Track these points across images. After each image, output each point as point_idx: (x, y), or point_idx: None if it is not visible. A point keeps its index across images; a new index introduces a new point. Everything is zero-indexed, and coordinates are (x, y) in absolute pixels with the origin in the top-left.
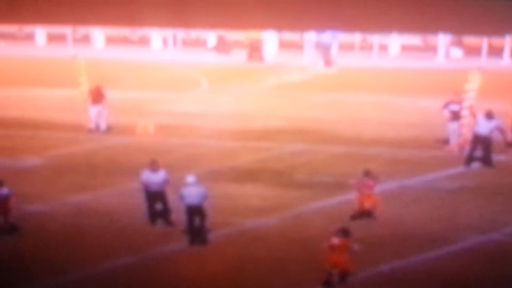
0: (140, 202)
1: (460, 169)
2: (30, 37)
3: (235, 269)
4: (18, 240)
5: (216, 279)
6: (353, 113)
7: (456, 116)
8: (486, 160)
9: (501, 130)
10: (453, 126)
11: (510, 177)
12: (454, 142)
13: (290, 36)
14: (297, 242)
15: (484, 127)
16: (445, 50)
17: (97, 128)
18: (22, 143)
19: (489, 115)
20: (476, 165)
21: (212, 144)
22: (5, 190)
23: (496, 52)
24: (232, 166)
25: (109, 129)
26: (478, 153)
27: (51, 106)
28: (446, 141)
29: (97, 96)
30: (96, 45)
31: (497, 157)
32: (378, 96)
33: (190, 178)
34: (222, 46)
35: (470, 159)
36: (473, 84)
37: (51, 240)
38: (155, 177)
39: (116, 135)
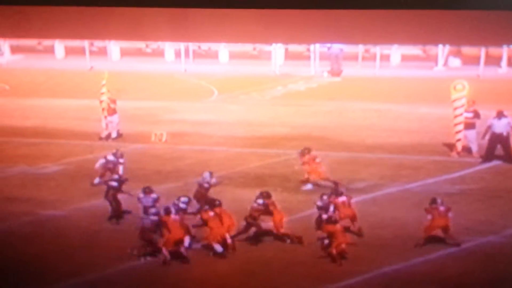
0: None
1: (459, 173)
2: (49, 50)
3: (245, 272)
4: (35, 244)
5: (227, 281)
6: (356, 120)
7: (470, 124)
8: (507, 158)
9: None
10: (469, 133)
11: (508, 181)
12: (475, 149)
13: (296, 47)
14: (303, 245)
15: (497, 125)
16: (444, 60)
17: (108, 137)
18: (41, 151)
19: (500, 114)
20: (496, 162)
21: (222, 150)
22: None
23: (493, 61)
24: (241, 172)
25: (119, 136)
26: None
27: (69, 116)
28: (469, 150)
29: (111, 107)
30: (112, 57)
31: (496, 162)
32: (380, 104)
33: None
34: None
35: (489, 156)
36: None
37: (67, 243)
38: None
39: (130, 143)
